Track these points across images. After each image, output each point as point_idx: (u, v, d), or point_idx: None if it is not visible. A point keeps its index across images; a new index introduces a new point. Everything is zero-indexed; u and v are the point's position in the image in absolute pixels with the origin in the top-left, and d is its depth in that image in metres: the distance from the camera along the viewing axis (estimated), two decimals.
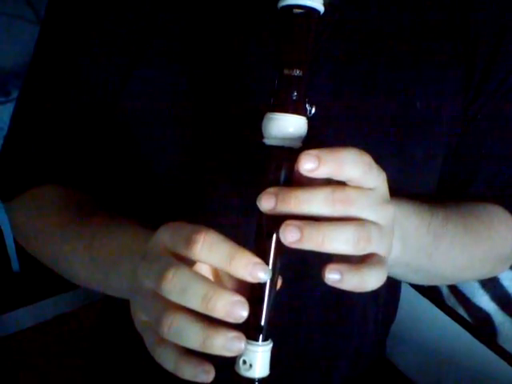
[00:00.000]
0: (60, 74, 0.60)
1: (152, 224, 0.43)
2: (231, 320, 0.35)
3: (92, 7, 0.57)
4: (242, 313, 0.35)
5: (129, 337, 0.42)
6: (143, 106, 0.57)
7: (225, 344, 0.35)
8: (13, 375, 1.43)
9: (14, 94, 1.72)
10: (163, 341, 0.37)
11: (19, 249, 1.66)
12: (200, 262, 0.37)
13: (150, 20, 0.56)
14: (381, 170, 0.40)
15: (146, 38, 0.56)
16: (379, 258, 0.39)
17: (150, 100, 0.57)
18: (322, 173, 0.36)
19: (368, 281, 0.37)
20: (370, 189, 0.39)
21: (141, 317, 0.40)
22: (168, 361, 0.37)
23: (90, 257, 0.54)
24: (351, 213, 0.37)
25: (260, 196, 0.37)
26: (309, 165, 0.36)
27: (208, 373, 0.36)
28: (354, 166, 0.37)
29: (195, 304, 0.35)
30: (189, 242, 0.36)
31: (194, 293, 0.35)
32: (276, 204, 0.37)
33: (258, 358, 0.38)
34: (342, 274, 0.36)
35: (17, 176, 0.64)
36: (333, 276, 0.37)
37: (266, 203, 0.37)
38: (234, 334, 0.35)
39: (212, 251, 0.36)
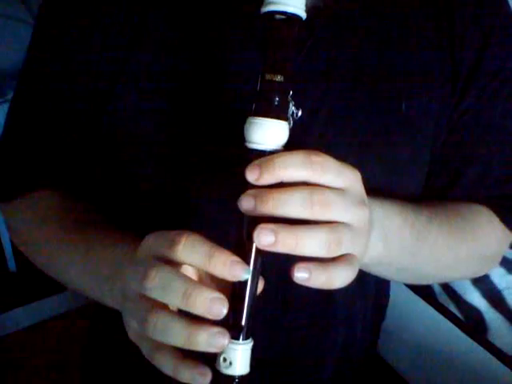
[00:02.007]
0: (52, 76, 0.61)
1: (142, 231, 0.43)
2: (210, 316, 0.36)
3: (84, 11, 0.58)
4: (221, 309, 0.36)
5: (124, 337, 0.43)
6: (129, 110, 0.57)
7: (208, 340, 0.36)
8: (9, 375, 1.43)
9: (10, 95, 1.73)
10: (160, 347, 0.38)
11: (16, 249, 1.66)
12: (182, 262, 0.38)
13: (139, 22, 0.56)
14: (352, 169, 0.41)
15: (135, 42, 0.56)
16: (349, 257, 0.40)
17: (136, 105, 0.57)
18: (267, 180, 0.38)
19: (335, 279, 0.38)
20: (342, 189, 0.39)
21: (133, 325, 0.41)
22: (167, 365, 0.38)
23: (84, 269, 0.56)
24: (328, 215, 0.38)
25: (240, 198, 0.38)
26: (251, 175, 0.38)
27: (205, 375, 0.37)
28: (300, 168, 0.38)
29: (176, 301, 0.36)
30: (171, 243, 0.37)
31: (175, 290, 0.36)
32: (255, 205, 0.37)
33: (238, 356, 0.39)
34: (310, 272, 0.37)
35: (13, 178, 0.65)
36: (301, 274, 0.38)
37: (246, 204, 0.38)
38: (217, 329, 0.36)
39: (193, 251, 0.37)
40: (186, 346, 0.36)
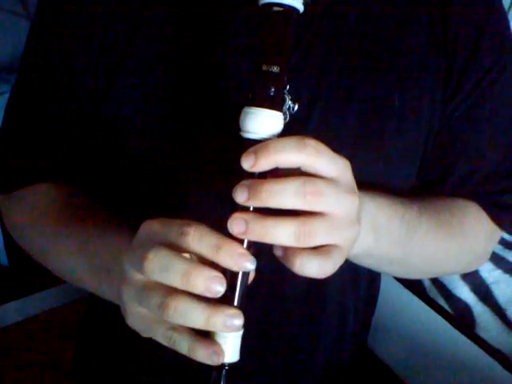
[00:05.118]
0: (50, 70, 0.61)
1: (136, 220, 0.44)
2: (210, 295, 0.37)
3: (82, 4, 0.58)
4: (219, 287, 0.37)
5: (116, 331, 0.44)
6: (127, 102, 0.58)
7: (225, 321, 0.38)
8: (1, 369, 1.43)
9: (4, 88, 1.72)
10: (176, 328, 0.39)
11: (8, 243, 1.66)
12: (190, 251, 0.39)
13: (137, 18, 0.57)
14: (343, 158, 0.42)
15: (133, 36, 0.57)
16: (326, 248, 0.41)
17: (134, 95, 0.58)
18: (263, 166, 0.39)
19: (305, 266, 0.39)
20: (334, 179, 0.40)
21: (141, 312, 0.41)
22: (183, 345, 0.39)
23: (83, 260, 0.56)
24: (321, 205, 0.39)
25: (235, 188, 0.39)
26: (247, 162, 0.39)
27: (219, 354, 0.39)
28: (295, 151, 0.39)
29: (176, 281, 0.37)
30: (181, 233, 0.38)
31: (175, 270, 0.37)
32: (249, 196, 0.38)
33: (228, 344, 0.40)
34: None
35: (12, 171, 0.65)
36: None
37: (240, 195, 0.39)
38: (232, 311, 0.38)
39: (202, 242, 0.38)
40: (205, 328, 0.38)
